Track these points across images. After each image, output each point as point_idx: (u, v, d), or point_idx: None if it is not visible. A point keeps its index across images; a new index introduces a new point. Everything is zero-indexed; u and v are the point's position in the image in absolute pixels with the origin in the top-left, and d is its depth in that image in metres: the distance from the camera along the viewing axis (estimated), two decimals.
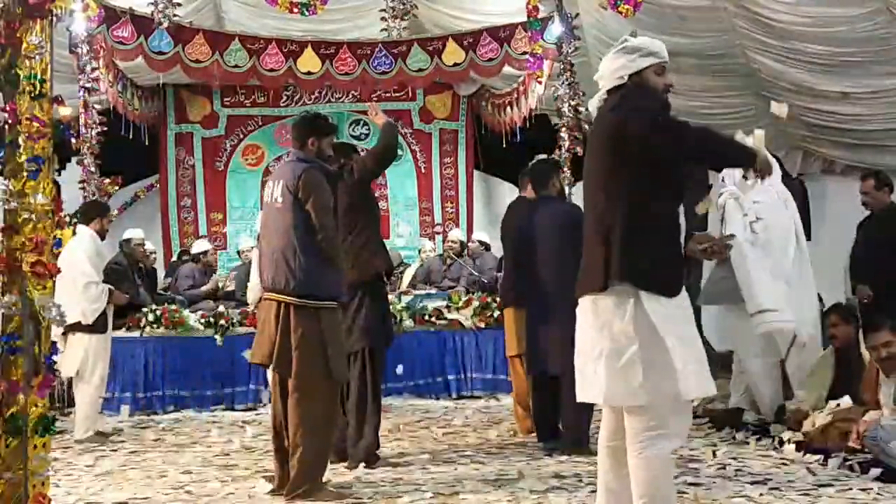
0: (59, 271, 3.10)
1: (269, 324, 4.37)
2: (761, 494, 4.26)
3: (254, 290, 6.98)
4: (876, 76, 8.71)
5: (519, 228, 5.88)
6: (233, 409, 7.85)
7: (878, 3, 7.84)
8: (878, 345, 5.00)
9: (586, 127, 8.78)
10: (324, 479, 4.41)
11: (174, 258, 10.28)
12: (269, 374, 4.79)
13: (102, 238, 6.66)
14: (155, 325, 7.85)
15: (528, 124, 9.73)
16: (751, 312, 5.55)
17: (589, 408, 5.10)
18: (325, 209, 4.34)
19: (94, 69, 8.18)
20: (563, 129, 8.77)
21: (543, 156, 7.12)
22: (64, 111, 9.00)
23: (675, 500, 3.35)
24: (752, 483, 4.51)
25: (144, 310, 7.88)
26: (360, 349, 5.11)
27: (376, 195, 11.22)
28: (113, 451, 6.00)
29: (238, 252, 9.61)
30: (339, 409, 4.79)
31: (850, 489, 4.33)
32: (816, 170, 10.34)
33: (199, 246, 9.60)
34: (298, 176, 4.32)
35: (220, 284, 9.19)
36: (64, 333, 6.38)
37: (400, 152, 11.20)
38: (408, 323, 8.28)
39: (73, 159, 8.48)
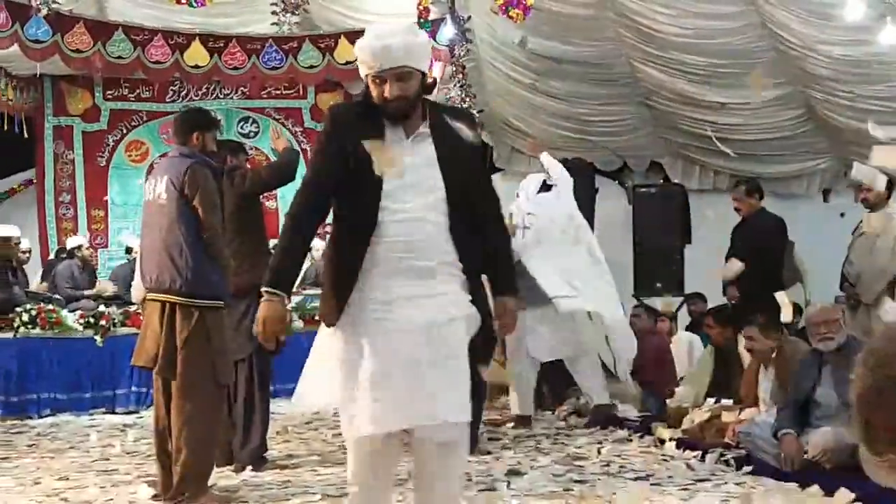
0: None
1: (152, 325, 4.24)
2: (643, 490, 4.40)
3: (137, 289, 6.78)
4: (750, 87, 9.10)
5: None
6: (113, 413, 7.59)
7: (753, 18, 8.20)
8: (745, 338, 5.30)
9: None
10: (209, 483, 4.31)
11: (51, 256, 9.86)
12: (154, 376, 4.65)
13: None
14: (30, 326, 7.52)
15: None
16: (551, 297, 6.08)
17: (479, 410, 5.19)
18: (212, 206, 4.22)
19: None
20: None
21: None
22: None
23: None
24: (635, 479, 4.64)
25: (18, 309, 7.53)
26: (247, 354, 5.01)
27: (267, 194, 11.10)
28: None
29: (128, 249, 9.29)
30: (224, 412, 4.69)
31: (726, 483, 4.51)
32: (698, 177, 10.71)
33: (75, 239, 9.24)
34: (184, 172, 4.20)
35: (109, 290, 8.81)
36: None
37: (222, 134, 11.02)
38: (297, 324, 8.19)
39: None
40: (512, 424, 6.37)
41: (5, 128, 9.11)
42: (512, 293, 2.97)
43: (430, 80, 2.86)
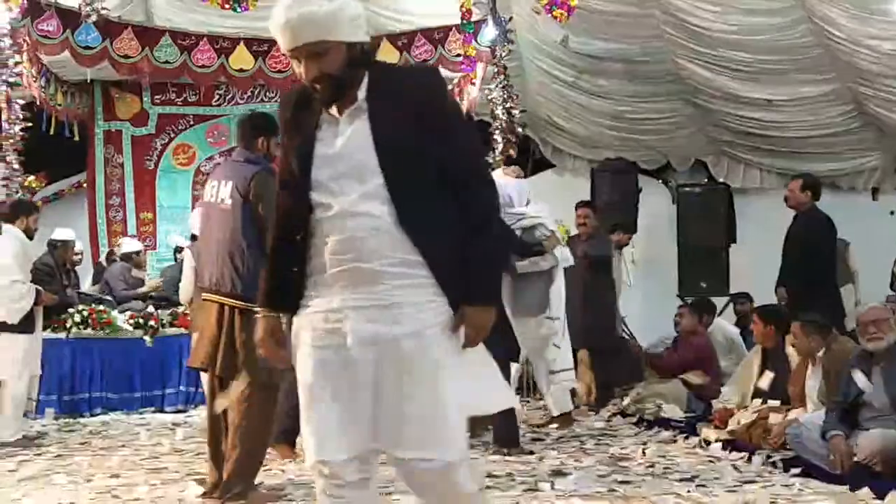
0: None
1: (210, 326, 4.31)
2: (689, 491, 4.36)
3: (185, 290, 6.91)
4: (798, 84, 8.98)
5: None
6: (162, 412, 7.71)
7: (800, 13, 8.08)
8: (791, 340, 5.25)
9: (519, 130, 8.88)
10: (256, 482, 4.37)
11: (101, 259, 10.05)
12: (204, 376, 4.72)
13: (30, 237, 6.49)
14: (82, 326, 7.68)
15: None
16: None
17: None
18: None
19: (17, 63, 7.95)
20: (497, 131, 8.84)
21: None
22: None
23: None
24: (680, 480, 4.61)
25: (71, 310, 7.69)
26: None
27: None
28: (37, 455, 5.84)
29: (178, 249, 9.43)
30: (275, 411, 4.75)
31: (774, 485, 4.46)
32: (742, 175, 10.60)
33: (130, 245, 9.40)
34: (250, 178, 4.22)
35: (157, 287, 8.97)
36: None
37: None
38: None
39: None
40: (556, 426, 6.34)
41: (57, 133, 9.28)
42: (477, 302, 2.35)
43: (365, 46, 2.35)
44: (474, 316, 2.35)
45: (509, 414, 5.31)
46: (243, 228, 4.19)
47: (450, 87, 9.75)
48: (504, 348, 5.33)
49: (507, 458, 5.28)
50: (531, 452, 5.42)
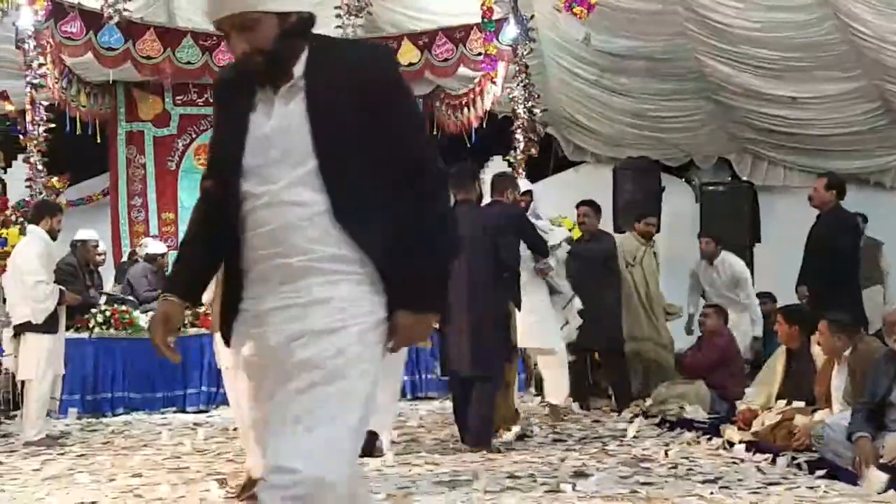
0: (3, 270, 3.03)
1: None
2: (712, 493, 4.32)
3: (207, 291, 6.90)
4: (822, 81, 8.88)
5: None
6: (184, 412, 7.74)
7: (825, 10, 8.00)
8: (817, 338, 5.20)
9: (541, 128, 8.84)
10: None
11: (124, 259, 10.11)
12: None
13: (53, 238, 6.53)
14: (104, 326, 7.72)
15: (483, 125, 9.75)
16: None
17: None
18: None
19: (40, 65, 8.01)
20: (519, 130, 8.81)
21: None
22: (8, 107, 8.84)
23: None
24: (703, 482, 4.56)
25: (94, 310, 7.74)
26: None
27: None
28: (60, 454, 5.88)
29: None
30: None
31: (798, 487, 4.40)
32: (766, 173, 10.50)
33: (155, 247, 9.44)
34: None
35: None
36: (17, 335, 6.27)
37: None
38: None
39: (20, 157, 8.31)
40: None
41: (80, 134, 9.35)
42: (420, 309, 2.15)
43: (304, 16, 2.11)
44: (413, 324, 2.14)
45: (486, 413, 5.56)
46: None
47: (471, 85, 9.74)
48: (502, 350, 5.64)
49: (528, 459, 5.25)
50: (499, 450, 5.51)
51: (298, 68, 2.10)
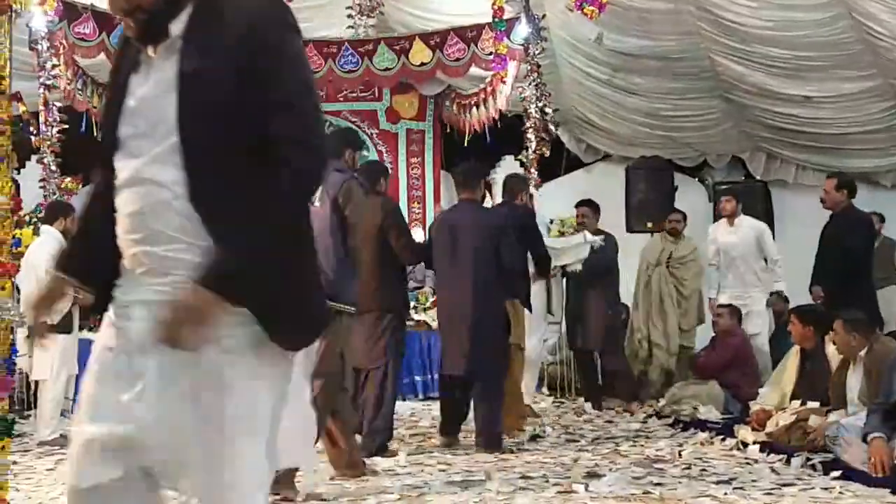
0: (17, 271, 3.05)
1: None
2: (726, 494, 4.30)
3: None
4: (837, 80, 8.83)
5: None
6: None
7: (839, 8, 7.95)
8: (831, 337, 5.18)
9: (553, 128, 8.82)
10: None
11: None
12: None
13: (67, 238, 6.57)
14: None
15: (497, 125, 9.74)
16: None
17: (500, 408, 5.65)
18: (360, 222, 4.66)
19: (54, 66, 8.05)
20: (531, 130, 8.79)
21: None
22: (21, 109, 8.87)
23: None
24: (717, 482, 4.54)
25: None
26: (381, 364, 5.43)
27: None
28: None
29: None
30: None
31: (813, 488, 4.38)
32: (779, 172, 10.45)
33: None
34: (340, 185, 4.52)
35: None
36: (29, 336, 6.29)
37: (366, 153, 11.15)
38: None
39: (34, 158, 8.34)
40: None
41: (93, 134, 9.37)
42: (208, 280, 1.71)
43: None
44: (192, 298, 1.70)
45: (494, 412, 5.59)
46: (330, 229, 4.46)
47: (482, 85, 9.72)
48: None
49: (541, 460, 5.24)
50: (511, 451, 5.54)
51: (177, 26, 1.82)
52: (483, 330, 5.55)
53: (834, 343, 5.31)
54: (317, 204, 4.44)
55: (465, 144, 10.19)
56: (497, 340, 5.67)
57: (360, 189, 4.67)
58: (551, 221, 8.85)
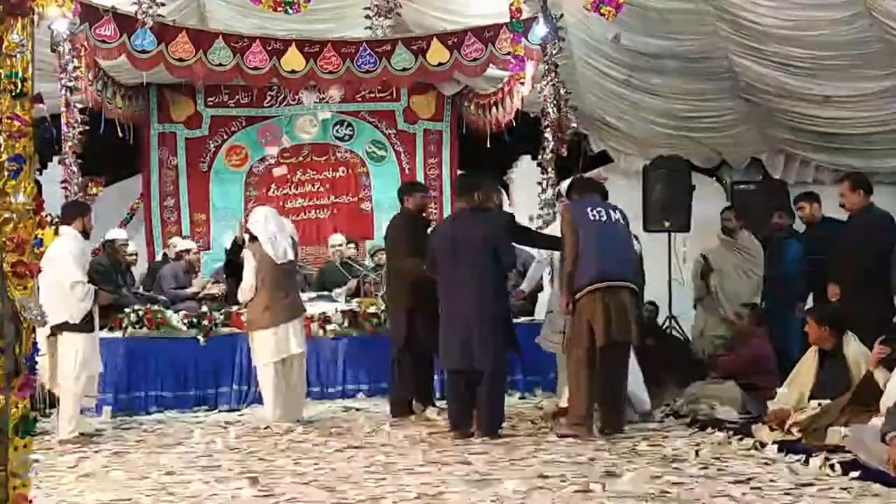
0: (40, 271, 3.09)
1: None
2: (744, 494, 4.29)
3: (244, 291, 7.02)
4: (857, 80, 8.76)
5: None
6: (216, 410, 7.81)
7: (859, 7, 7.89)
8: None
9: (571, 128, 8.81)
10: None
11: (157, 258, 10.23)
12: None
13: (86, 237, 6.64)
14: (137, 326, 7.80)
15: (515, 125, 9.74)
16: None
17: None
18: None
19: (75, 68, 8.13)
20: (548, 130, 8.79)
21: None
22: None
23: None
24: (735, 482, 4.53)
25: (127, 310, 7.83)
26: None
27: (360, 195, 11.30)
28: (95, 452, 5.96)
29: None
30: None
31: (832, 488, 4.36)
32: (798, 171, 10.38)
33: (183, 244, 9.55)
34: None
35: (206, 286, 9.14)
36: (51, 335, 6.35)
37: (384, 153, 11.19)
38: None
39: (55, 159, 8.43)
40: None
41: (114, 135, 9.46)
42: None
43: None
44: None
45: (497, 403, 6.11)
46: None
47: (500, 85, 9.75)
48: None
49: (558, 460, 5.23)
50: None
51: None
52: (488, 327, 6.04)
53: (873, 366, 5.25)
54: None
55: (488, 144, 10.20)
56: (503, 336, 6.11)
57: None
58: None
